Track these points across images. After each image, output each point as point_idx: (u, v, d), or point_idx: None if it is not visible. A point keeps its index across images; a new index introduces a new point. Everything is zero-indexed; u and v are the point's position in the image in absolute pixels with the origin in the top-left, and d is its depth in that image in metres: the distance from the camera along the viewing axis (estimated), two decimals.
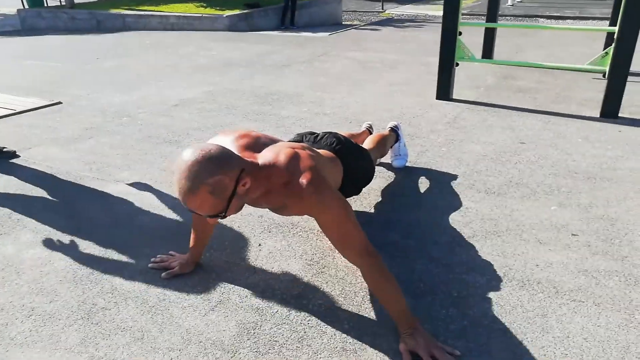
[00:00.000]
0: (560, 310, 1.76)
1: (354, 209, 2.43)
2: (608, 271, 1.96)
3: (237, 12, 9.36)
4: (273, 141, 1.73)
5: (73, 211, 2.50)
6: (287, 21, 9.72)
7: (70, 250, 2.15)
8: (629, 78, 3.69)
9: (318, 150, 1.94)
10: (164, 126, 3.79)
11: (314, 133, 2.25)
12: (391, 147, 2.95)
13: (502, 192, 2.64)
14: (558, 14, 12.11)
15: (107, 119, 4.00)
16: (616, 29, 3.57)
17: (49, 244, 2.21)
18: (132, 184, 2.80)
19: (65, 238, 2.25)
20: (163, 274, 1.96)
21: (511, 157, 3.11)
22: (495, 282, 1.92)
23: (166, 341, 1.64)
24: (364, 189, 2.43)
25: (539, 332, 1.65)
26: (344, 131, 2.89)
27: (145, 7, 10.32)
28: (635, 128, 3.55)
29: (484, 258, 2.07)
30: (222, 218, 1.50)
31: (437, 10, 13.54)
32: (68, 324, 1.72)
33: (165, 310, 1.78)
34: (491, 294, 1.85)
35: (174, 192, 1.44)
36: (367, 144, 2.66)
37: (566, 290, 1.86)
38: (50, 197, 2.66)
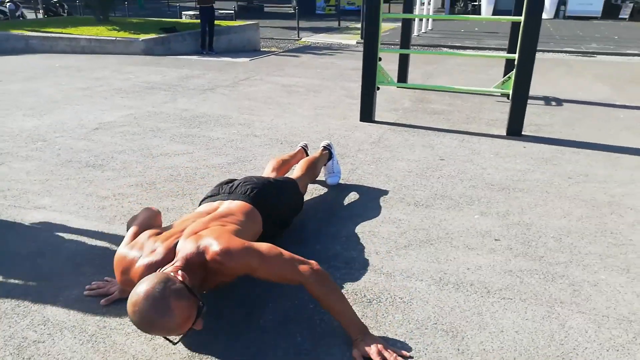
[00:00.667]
0: (492, 307, 1.91)
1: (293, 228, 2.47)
2: (529, 270, 2.17)
3: (153, 36, 9.16)
4: (178, 231, 1.80)
5: None
6: (207, 46, 9.69)
7: None
8: (528, 101, 4.13)
9: (232, 207, 2.02)
10: (85, 150, 3.60)
11: (231, 181, 2.29)
12: (324, 165, 3.04)
13: (430, 204, 2.82)
14: (459, 44, 13.19)
15: (18, 143, 3.72)
16: (516, 56, 4.00)
17: None
18: (54, 211, 2.62)
19: None
20: (102, 301, 1.86)
21: (434, 172, 3.33)
22: (433, 286, 2.04)
23: None
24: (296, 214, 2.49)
25: (477, 329, 1.78)
26: (277, 156, 2.96)
27: (51, 29, 9.76)
28: (536, 144, 3.96)
29: (421, 265, 2.19)
30: (173, 343, 1.58)
31: (350, 39, 14.21)
32: None
33: (107, 337, 1.69)
34: (431, 298, 1.96)
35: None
36: (297, 170, 2.70)
37: (496, 289, 2.02)
38: None
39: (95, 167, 3.28)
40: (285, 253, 1.69)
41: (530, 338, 1.74)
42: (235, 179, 2.32)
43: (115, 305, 1.86)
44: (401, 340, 1.72)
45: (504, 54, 5.18)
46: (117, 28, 10.03)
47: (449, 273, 2.13)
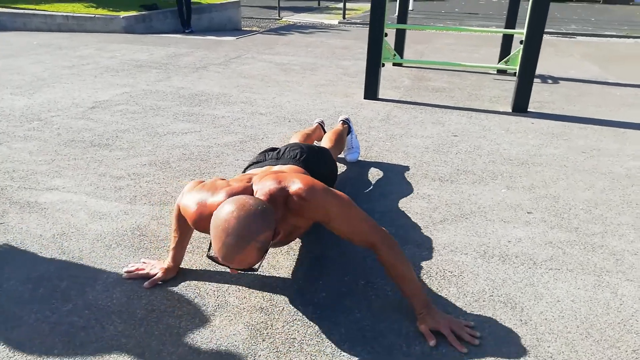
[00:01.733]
0: (543, 278, 1.90)
1: None
2: (568, 241, 2.17)
3: (134, 13, 8.80)
4: (249, 178, 1.68)
5: (7, 226, 2.14)
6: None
7: (15, 270, 1.84)
8: None
9: (285, 168, 1.91)
10: (86, 129, 3.42)
11: (275, 149, 2.19)
12: None
13: (454, 180, 2.80)
14: (442, 25, 13.18)
15: (13, 123, 3.50)
16: (524, 32, 3.98)
17: None
18: (69, 192, 2.48)
19: (5, 256, 1.92)
20: (145, 284, 1.76)
21: (450, 148, 3.30)
22: (479, 259, 2.01)
23: (172, 354, 1.47)
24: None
25: (534, 300, 1.77)
26: (299, 131, 2.87)
27: (23, 5, 9.25)
28: (543, 120, 3.97)
29: (462, 239, 2.17)
30: (254, 271, 1.45)
31: (332, 19, 14.01)
32: (44, 350, 1.47)
33: (158, 321, 1.60)
34: (480, 271, 1.94)
35: (221, 252, 1.33)
36: (326, 142, 2.65)
37: (541, 260, 2.01)
38: None
39: (101, 146, 3.12)
40: (364, 214, 1.61)
41: (588, 307, 1.74)
42: (278, 147, 2.23)
43: (159, 287, 1.76)
44: (462, 313, 1.69)
45: (489, 30, 5.18)
46: (94, 5, 9.58)
47: (491, 246, 2.11)
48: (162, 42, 7.62)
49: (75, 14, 8.73)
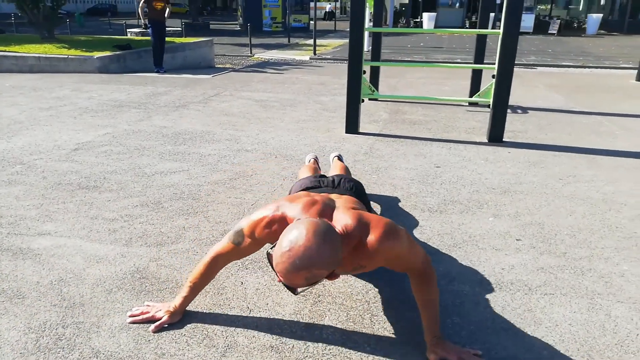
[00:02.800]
0: (539, 304, 1.97)
1: None
2: (558, 266, 2.26)
3: (108, 53, 8.82)
4: (330, 199, 1.72)
5: (1, 274, 2.09)
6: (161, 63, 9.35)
7: (14, 319, 1.79)
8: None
9: (348, 200, 1.90)
10: (72, 172, 3.38)
11: (325, 176, 2.22)
12: None
13: (443, 210, 2.88)
14: (409, 59, 13.66)
15: None
16: (495, 67, 4.20)
17: None
18: (62, 236, 2.44)
19: (3, 305, 1.87)
20: (151, 327, 1.74)
21: (434, 179, 3.41)
22: (477, 288, 2.08)
23: None
24: None
25: (534, 325, 1.83)
26: (306, 165, 2.94)
27: None
28: (519, 149, 4.15)
29: (458, 268, 2.23)
30: (294, 293, 1.49)
31: (303, 55, 14.33)
32: None
33: None
34: (480, 299, 2.00)
35: (284, 262, 1.36)
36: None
37: (536, 286, 2.09)
38: None
39: (89, 188, 3.09)
40: (417, 246, 1.67)
41: (585, 329, 1.81)
42: (325, 175, 2.30)
43: (166, 330, 1.75)
44: (468, 342, 1.73)
45: (464, 65, 5.45)
46: (67, 46, 9.56)
47: (486, 274, 2.18)
48: (139, 81, 7.65)
49: (47, 55, 8.68)
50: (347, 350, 1.68)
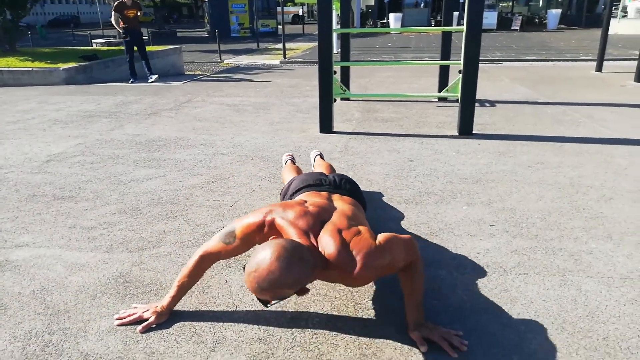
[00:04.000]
0: (514, 283, 2.06)
1: None
2: (530, 248, 2.36)
3: (74, 64, 8.67)
4: (327, 207, 1.77)
5: None
6: (143, 71, 8.93)
7: (0, 329, 1.78)
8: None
9: (349, 203, 1.95)
10: (45, 183, 3.34)
11: (326, 176, 2.23)
12: None
13: (418, 201, 2.97)
14: (378, 59, 13.84)
15: None
16: (461, 62, 4.33)
17: None
18: (40, 247, 2.42)
19: None
20: (139, 328, 1.75)
21: (409, 173, 3.49)
22: (455, 272, 2.16)
23: None
24: None
25: (510, 304, 1.92)
26: (288, 165, 2.97)
27: None
28: (488, 140, 4.29)
29: (435, 255, 2.31)
30: (265, 306, 1.54)
31: (273, 60, 14.35)
32: None
33: None
34: (458, 282, 2.07)
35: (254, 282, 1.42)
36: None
37: (510, 267, 2.18)
38: None
39: (65, 199, 3.06)
40: (404, 245, 1.68)
41: (558, 304, 1.90)
42: (324, 172, 2.34)
43: (154, 330, 1.76)
44: (448, 323, 1.80)
45: (431, 62, 5.61)
46: (30, 58, 9.36)
47: (462, 259, 2.27)
48: (107, 91, 7.55)
49: (10, 68, 8.49)
50: (333, 336, 1.73)
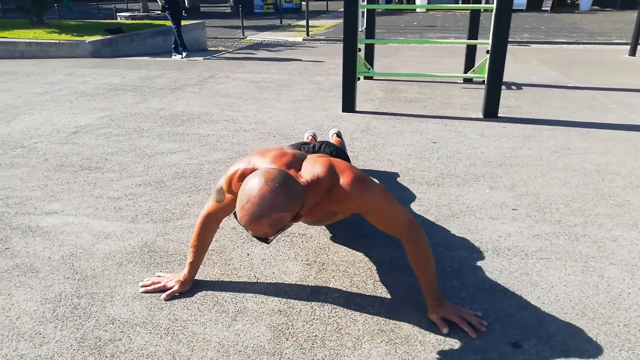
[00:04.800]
0: (535, 267, 2.05)
1: None
2: (553, 233, 2.34)
3: (99, 37, 8.75)
4: (302, 154, 1.75)
5: (13, 250, 2.15)
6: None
7: (30, 291, 1.86)
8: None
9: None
10: (73, 154, 3.42)
11: (307, 143, 2.28)
12: None
13: (440, 183, 2.95)
14: (403, 38, 13.62)
15: None
16: (490, 42, 4.23)
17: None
18: (68, 215, 2.49)
19: (18, 279, 1.93)
20: (163, 296, 1.81)
21: (431, 154, 3.47)
22: (475, 254, 2.15)
23: (203, 358, 1.53)
24: None
25: (530, 287, 1.91)
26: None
27: None
28: (514, 124, 4.21)
29: (457, 236, 2.30)
30: (266, 242, 1.49)
31: (296, 37, 14.23)
32: None
33: (183, 329, 1.66)
34: (478, 264, 2.07)
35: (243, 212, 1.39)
36: None
37: (532, 251, 2.17)
38: None
39: (92, 169, 3.13)
40: (399, 205, 1.68)
41: (579, 289, 1.89)
42: (307, 142, 2.34)
43: (178, 299, 1.82)
44: (467, 303, 1.81)
45: (458, 41, 5.49)
46: (57, 31, 9.47)
47: (484, 241, 2.26)
48: (132, 65, 7.61)
49: (38, 40, 8.61)
50: (351, 312, 1.76)
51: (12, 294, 1.83)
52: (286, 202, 1.39)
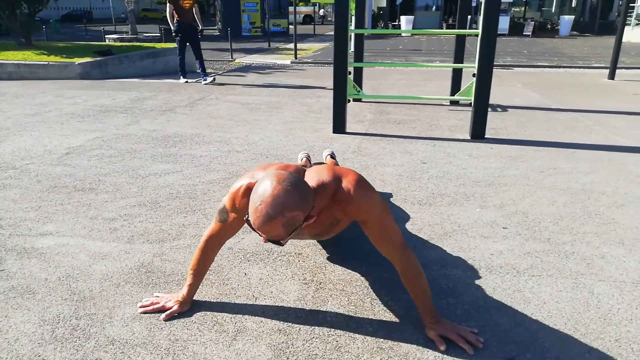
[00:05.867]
0: (527, 284, 2.10)
1: None
2: (543, 250, 2.40)
3: (89, 59, 8.78)
4: (303, 167, 1.79)
5: (8, 272, 2.13)
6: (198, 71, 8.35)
7: (28, 313, 1.85)
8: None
9: None
10: (66, 175, 3.41)
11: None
12: None
13: (432, 202, 3.01)
14: (389, 61, 13.88)
15: None
16: (476, 66, 4.36)
17: None
18: (63, 236, 2.49)
19: (14, 300, 1.92)
20: (162, 316, 1.81)
21: (421, 174, 3.54)
22: (469, 271, 2.20)
23: None
24: None
25: (523, 303, 1.96)
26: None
27: None
28: (500, 145, 4.32)
29: (450, 254, 2.35)
30: (279, 245, 1.51)
31: (284, 59, 14.41)
32: None
33: (184, 349, 1.66)
34: (472, 282, 2.12)
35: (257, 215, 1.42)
36: None
37: (523, 269, 2.22)
38: None
39: (85, 190, 3.13)
40: (396, 224, 1.73)
41: (571, 305, 1.94)
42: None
43: (177, 319, 1.82)
44: (464, 320, 1.85)
45: (446, 65, 5.63)
46: (46, 52, 9.49)
47: (476, 259, 2.31)
48: (122, 86, 7.64)
49: (27, 62, 8.60)
50: (350, 330, 1.78)
51: (9, 315, 1.82)
52: (299, 201, 1.41)
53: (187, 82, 8.23)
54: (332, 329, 1.78)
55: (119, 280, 2.08)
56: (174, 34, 7.89)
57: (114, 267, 2.19)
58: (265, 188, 1.41)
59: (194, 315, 1.85)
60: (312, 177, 1.64)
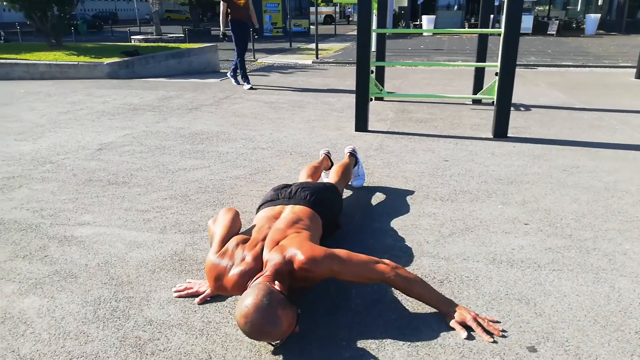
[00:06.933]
0: (548, 278, 2.14)
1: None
2: (565, 246, 2.43)
3: (117, 59, 9.03)
4: (259, 232, 1.95)
5: (51, 258, 2.27)
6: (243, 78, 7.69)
7: (71, 295, 1.97)
8: None
9: (296, 211, 2.13)
10: (100, 169, 3.57)
11: (288, 186, 2.39)
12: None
13: (454, 199, 3.06)
14: (410, 61, 13.87)
15: (26, 167, 3.62)
16: (498, 65, 4.38)
17: (43, 292, 1.99)
18: (100, 226, 2.62)
19: (59, 283, 2.05)
20: (196, 300, 1.92)
21: (444, 172, 3.58)
22: (490, 265, 2.25)
23: (237, 357, 1.63)
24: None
25: (544, 296, 2.00)
26: (308, 164, 3.08)
27: (4, 55, 9.37)
28: (523, 144, 4.33)
29: (471, 249, 2.40)
30: (273, 347, 1.70)
31: (305, 59, 14.52)
32: None
33: (217, 330, 1.76)
34: (493, 274, 2.17)
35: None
36: (334, 176, 2.85)
37: (544, 263, 2.26)
38: (14, 247, 2.37)
39: (119, 184, 3.27)
40: (361, 255, 1.84)
41: (591, 299, 1.98)
42: (290, 184, 2.43)
43: (210, 303, 1.92)
44: (485, 310, 1.90)
45: (468, 64, 5.65)
46: (75, 53, 9.78)
47: (498, 254, 2.36)
48: (149, 86, 7.85)
49: (58, 62, 8.89)
50: (372, 318, 1.85)
51: (55, 297, 1.95)
52: (279, 326, 1.54)
53: (252, 87, 7.48)
54: (357, 317, 1.86)
55: (154, 267, 2.19)
56: (222, 35, 7.46)
57: (148, 255, 2.30)
58: (245, 313, 1.51)
59: (227, 299, 1.95)
60: (270, 266, 1.74)
